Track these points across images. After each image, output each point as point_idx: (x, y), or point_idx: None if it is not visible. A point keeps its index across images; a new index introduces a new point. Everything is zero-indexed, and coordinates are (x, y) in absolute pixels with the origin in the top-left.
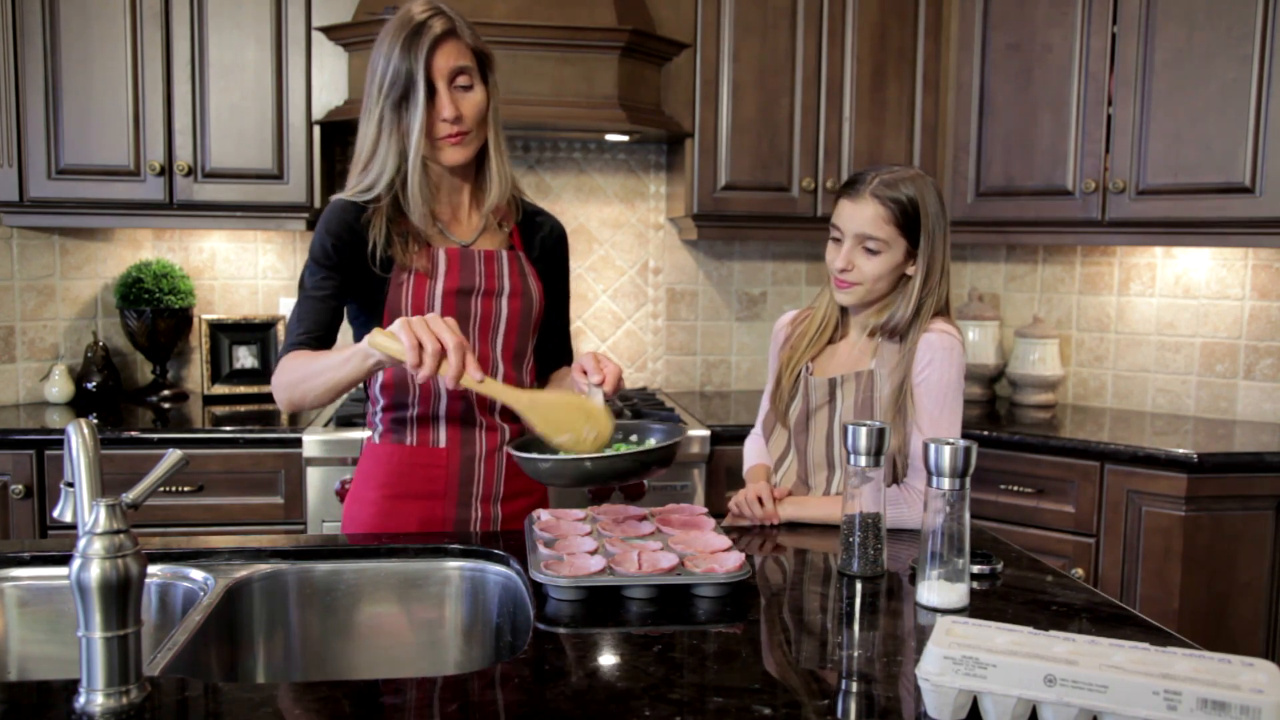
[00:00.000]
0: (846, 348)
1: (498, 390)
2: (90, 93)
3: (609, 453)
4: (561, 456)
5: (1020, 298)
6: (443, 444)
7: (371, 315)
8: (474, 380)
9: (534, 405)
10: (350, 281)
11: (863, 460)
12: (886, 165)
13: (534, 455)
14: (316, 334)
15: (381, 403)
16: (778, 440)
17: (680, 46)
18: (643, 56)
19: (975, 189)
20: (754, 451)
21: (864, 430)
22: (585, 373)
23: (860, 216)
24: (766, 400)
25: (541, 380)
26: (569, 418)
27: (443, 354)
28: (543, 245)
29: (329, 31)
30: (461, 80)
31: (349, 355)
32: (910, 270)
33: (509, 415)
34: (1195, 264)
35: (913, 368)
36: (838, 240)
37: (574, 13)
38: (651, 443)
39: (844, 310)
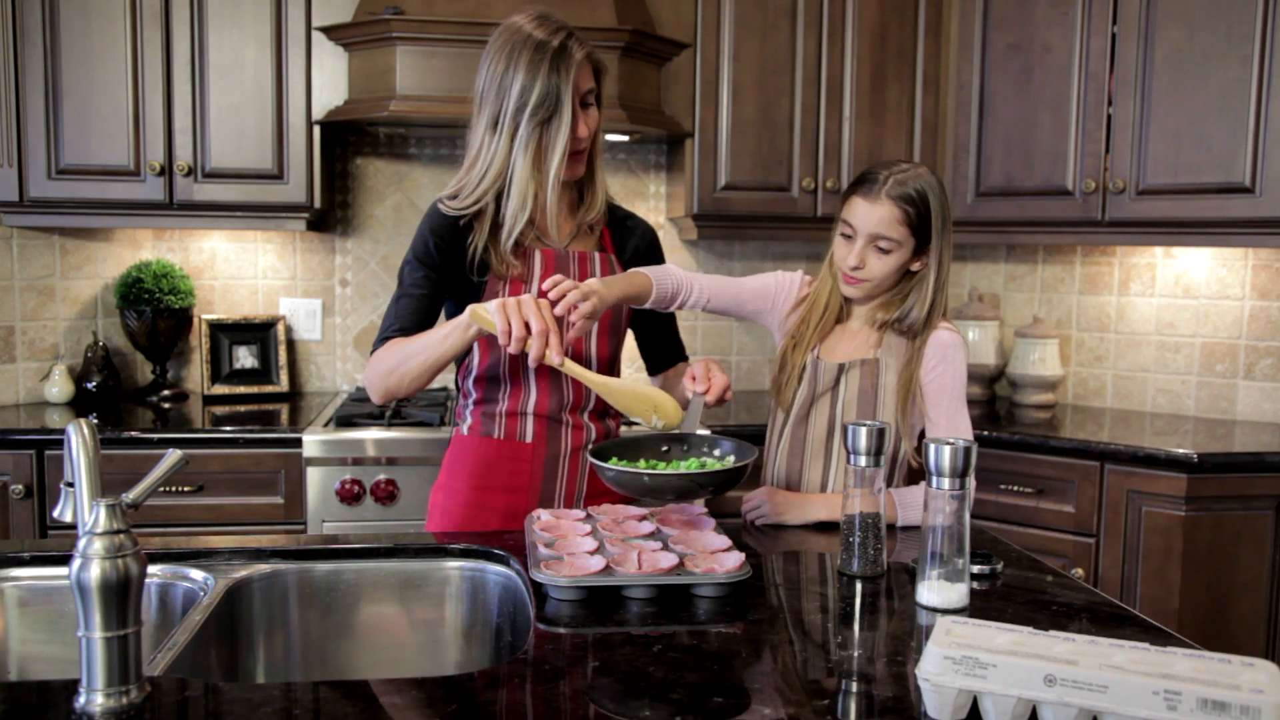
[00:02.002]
0: (850, 335)
1: (576, 371)
2: (90, 93)
3: (671, 470)
4: (624, 468)
5: (1020, 298)
6: (529, 439)
7: (433, 309)
8: (554, 361)
9: (608, 390)
10: (448, 282)
11: (862, 460)
12: (895, 163)
13: (604, 464)
14: (409, 330)
15: (474, 396)
16: (774, 423)
17: (680, 46)
18: (643, 56)
19: (975, 189)
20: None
21: (864, 430)
22: (694, 378)
23: (875, 217)
24: (725, 279)
25: (654, 375)
26: (638, 406)
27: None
28: (635, 250)
29: (329, 31)
30: (588, 100)
31: (448, 330)
32: (916, 266)
33: (596, 416)
34: (1195, 264)
35: (921, 364)
36: (848, 237)
37: (574, 13)
38: (714, 463)
39: (846, 298)
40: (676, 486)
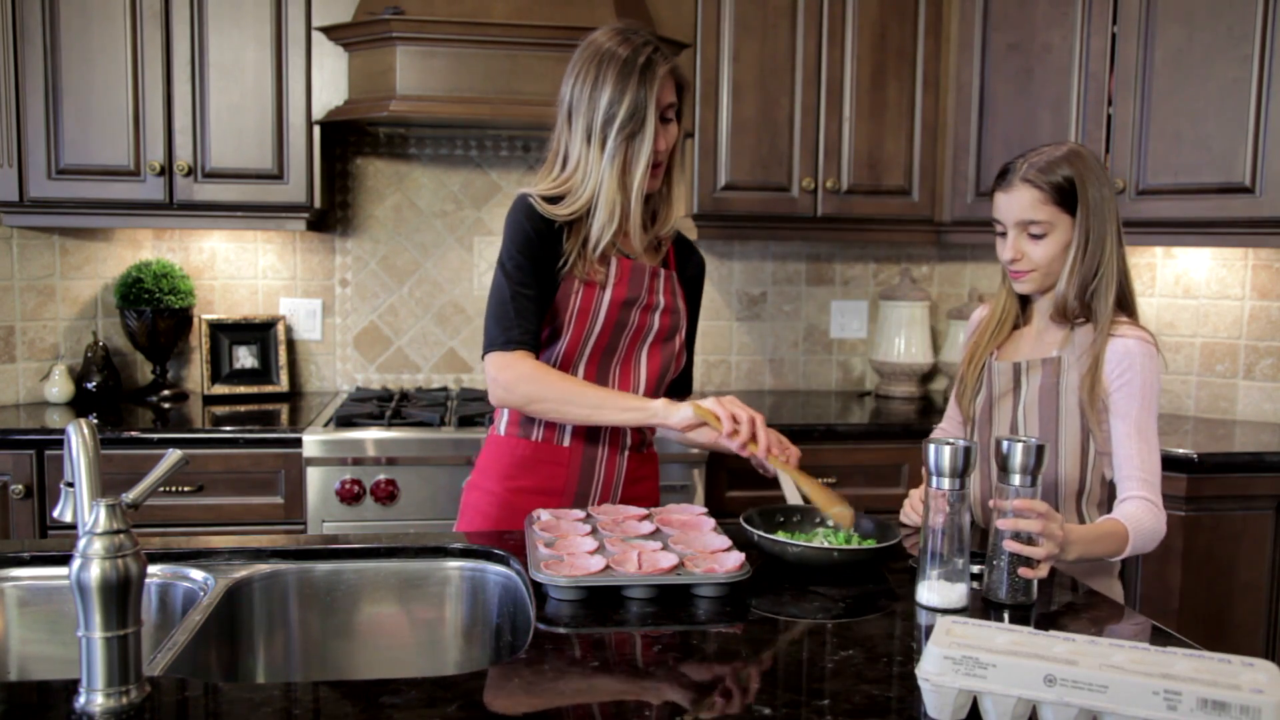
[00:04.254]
0: (1031, 335)
1: (792, 472)
2: (90, 93)
3: (840, 543)
4: (809, 544)
5: None
6: (567, 443)
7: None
8: (780, 462)
9: (804, 480)
10: (544, 278)
11: (1017, 479)
12: (1034, 149)
13: (788, 541)
14: (535, 335)
15: None
16: (960, 433)
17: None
18: None
19: (975, 189)
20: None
21: (1019, 446)
22: (772, 452)
23: (1016, 204)
24: (954, 399)
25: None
26: (823, 501)
27: (753, 432)
28: (690, 278)
29: (329, 31)
30: (668, 114)
31: (634, 409)
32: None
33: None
34: (1195, 264)
35: (1105, 369)
36: (1002, 234)
37: (574, 13)
38: (826, 532)
39: (1024, 300)
40: (861, 560)
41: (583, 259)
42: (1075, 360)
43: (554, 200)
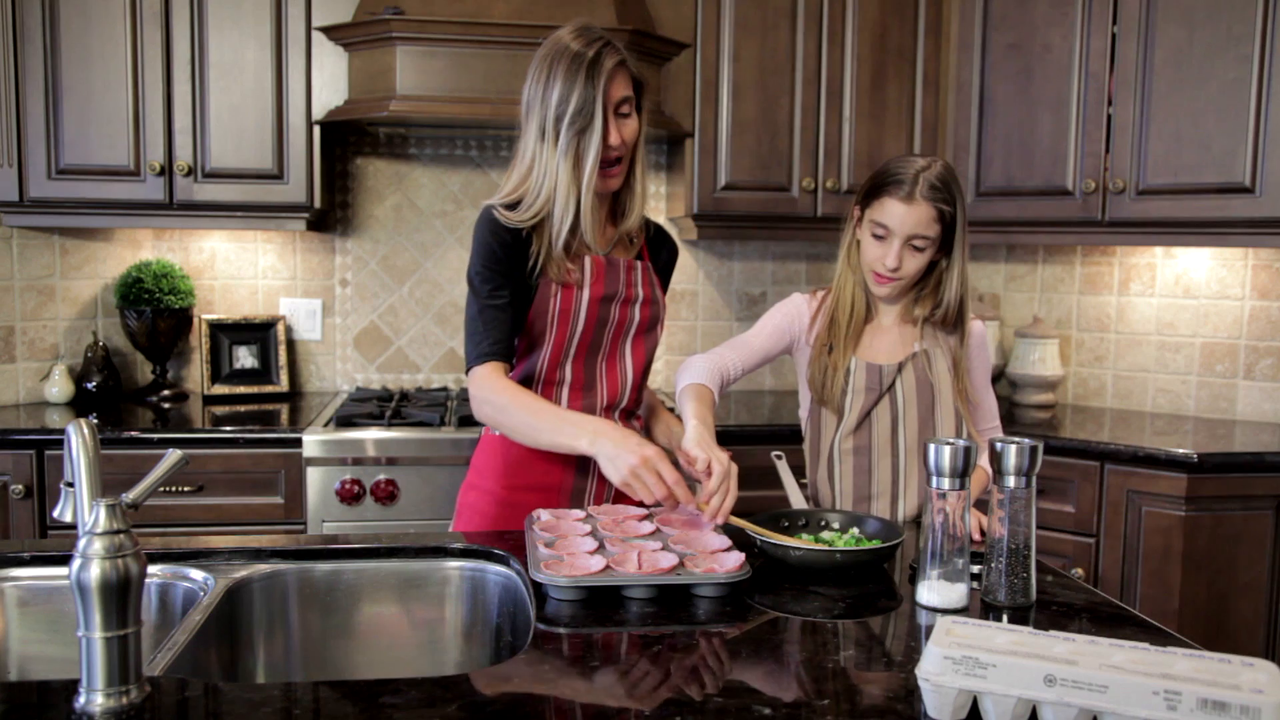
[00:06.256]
0: (884, 331)
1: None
2: (90, 93)
3: (850, 546)
4: (812, 547)
5: (1020, 298)
6: None
7: (517, 318)
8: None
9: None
10: (515, 287)
11: (1011, 481)
12: (911, 159)
13: (790, 544)
14: (506, 343)
15: None
16: (827, 428)
17: (680, 46)
18: (643, 56)
19: (975, 189)
20: (697, 370)
21: (1013, 449)
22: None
23: (913, 219)
24: (744, 345)
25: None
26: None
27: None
28: (664, 264)
29: (329, 31)
30: (624, 109)
31: (570, 438)
32: (937, 257)
33: (625, 416)
34: (1195, 264)
35: (967, 351)
36: (881, 238)
37: (574, 13)
38: (836, 536)
39: (867, 293)
40: (864, 561)
41: (552, 260)
42: (938, 352)
43: (514, 206)
